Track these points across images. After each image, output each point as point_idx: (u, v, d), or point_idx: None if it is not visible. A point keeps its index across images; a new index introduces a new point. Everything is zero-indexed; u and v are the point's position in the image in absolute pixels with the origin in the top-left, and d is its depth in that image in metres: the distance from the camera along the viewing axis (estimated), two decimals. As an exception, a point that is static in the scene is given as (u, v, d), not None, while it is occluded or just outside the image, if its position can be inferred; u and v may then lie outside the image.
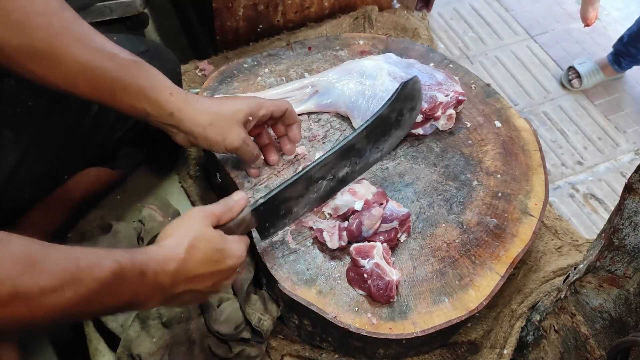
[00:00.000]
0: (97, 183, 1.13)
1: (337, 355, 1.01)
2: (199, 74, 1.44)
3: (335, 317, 0.87)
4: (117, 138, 1.05)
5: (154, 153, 1.22)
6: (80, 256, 0.56)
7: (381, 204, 0.91)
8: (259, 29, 1.51)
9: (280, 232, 0.94)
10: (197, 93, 1.16)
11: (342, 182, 0.96)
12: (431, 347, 1.04)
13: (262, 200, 0.82)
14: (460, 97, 1.08)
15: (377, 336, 0.86)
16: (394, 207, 0.92)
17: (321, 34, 1.48)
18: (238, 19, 1.45)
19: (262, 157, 0.98)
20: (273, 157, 1.00)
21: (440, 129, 1.10)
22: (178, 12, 1.80)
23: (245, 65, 1.19)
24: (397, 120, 1.00)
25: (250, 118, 0.88)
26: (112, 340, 1.00)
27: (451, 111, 1.08)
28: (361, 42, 1.27)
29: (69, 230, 1.14)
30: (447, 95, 1.06)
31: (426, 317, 0.88)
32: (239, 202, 0.78)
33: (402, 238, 0.94)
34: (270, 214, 0.86)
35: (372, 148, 0.99)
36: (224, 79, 1.17)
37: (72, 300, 0.54)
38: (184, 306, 0.92)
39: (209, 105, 0.84)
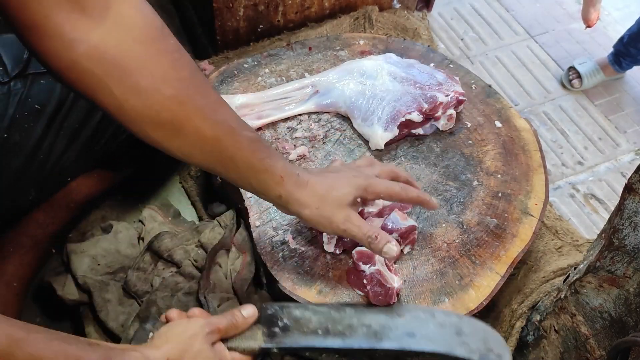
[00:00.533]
0: (100, 185, 1.14)
1: (337, 355, 1.01)
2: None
3: (336, 317, 0.87)
4: (121, 141, 1.06)
5: (156, 155, 1.22)
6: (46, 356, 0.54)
7: (382, 215, 0.90)
8: (259, 29, 1.51)
9: (281, 232, 0.94)
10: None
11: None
12: (431, 347, 1.04)
13: (275, 350, 0.77)
14: (460, 97, 1.08)
15: (377, 336, 0.86)
16: (397, 219, 0.89)
17: (321, 34, 1.48)
18: (238, 19, 1.46)
19: (391, 242, 0.81)
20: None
21: (441, 129, 1.10)
22: (178, 11, 1.79)
23: (246, 65, 1.20)
24: None
25: (359, 200, 0.83)
26: (113, 340, 1.00)
27: (451, 111, 1.08)
28: (361, 42, 1.27)
29: (70, 230, 1.14)
30: (447, 96, 1.06)
31: (426, 317, 0.88)
32: (247, 319, 0.75)
33: (406, 250, 0.93)
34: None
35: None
36: (225, 79, 1.17)
37: None
38: None
39: (317, 189, 0.79)
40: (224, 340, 0.73)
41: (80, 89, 0.63)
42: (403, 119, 1.03)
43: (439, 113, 1.07)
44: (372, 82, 1.07)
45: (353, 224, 0.79)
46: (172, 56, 0.66)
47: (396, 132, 1.03)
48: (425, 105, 1.04)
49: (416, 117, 1.04)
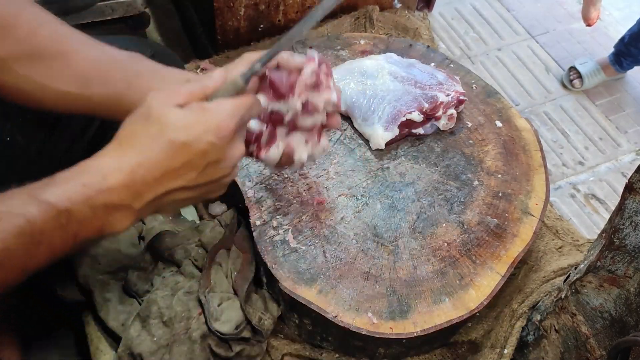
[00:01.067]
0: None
1: (337, 355, 1.01)
2: (200, 74, 1.44)
3: (336, 316, 0.87)
4: None
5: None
6: None
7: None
8: (260, 29, 1.51)
9: (281, 232, 0.94)
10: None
11: None
12: (431, 347, 1.04)
13: (258, 66, 0.65)
14: (461, 97, 1.08)
15: (377, 336, 0.86)
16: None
17: (322, 34, 1.48)
18: (239, 19, 1.46)
19: None
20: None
21: (441, 129, 1.10)
22: (179, 11, 1.80)
23: (246, 65, 1.19)
24: None
25: None
26: (113, 339, 1.00)
27: (452, 111, 1.08)
28: (362, 42, 1.27)
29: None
30: (448, 95, 1.06)
31: (427, 316, 0.88)
32: (215, 78, 0.62)
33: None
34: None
35: None
36: (225, 78, 1.17)
37: None
38: (184, 206, 0.73)
39: None
40: None
41: None
42: (404, 119, 1.03)
43: (440, 113, 1.07)
44: (372, 81, 1.07)
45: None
46: None
47: (397, 131, 1.03)
48: (426, 105, 1.04)
49: (417, 116, 1.03)
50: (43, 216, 0.51)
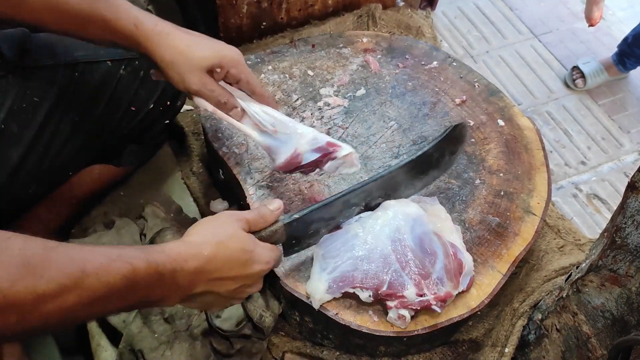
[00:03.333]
0: (102, 180, 1.14)
1: (338, 353, 1.01)
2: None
3: (337, 314, 0.87)
4: (123, 136, 1.06)
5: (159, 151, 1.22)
6: (89, 258, 0.53)
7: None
8: (262, 27, 1.51)
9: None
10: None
11: (370, 210, 0.92)
12: (432, 345, 1.04)
13: (296, 216, 0.80)
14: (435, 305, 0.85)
15: (378, 334, 0.86)
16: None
17: (325, 32, 1.49)
18: (242, 16, 1.46)
19: (237, 108, 0.87)
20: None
21: (387, 320, 0.87)
22: (182, 9, 1.80)
23: (249, 62, 1.19)
24: (437, 161, 0.98)
25: (219, 70, 0.83)
26: (114, 336, 1.00)
27: (406, 313, 0.85)
28: (365, 39, 1.27)
29: (73, 226, 1.15)
30: (419, 295, 0.84)
31: (427, 315, 0.88)
32: (274, 212, 0.76)
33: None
34: (300, 232, 0.84)
35: (407, 184, 0.95)
36: (227, 76, 1.17)
37: (74, 306, 0.51)
38: (203, 309, 0.88)
39: (177, 43, 0.80)
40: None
41: None
42: (350, 290, 0.85)
43: (393, 303, 0.85)
44: (367, 215, 0.91)
45: (206, 89, 0.82)
46: None
47: (338, 295, 0.86)
48: (384, 288, 0.84)
49: (363, 294, 0.85)
50: (144, 271, 0.57)
